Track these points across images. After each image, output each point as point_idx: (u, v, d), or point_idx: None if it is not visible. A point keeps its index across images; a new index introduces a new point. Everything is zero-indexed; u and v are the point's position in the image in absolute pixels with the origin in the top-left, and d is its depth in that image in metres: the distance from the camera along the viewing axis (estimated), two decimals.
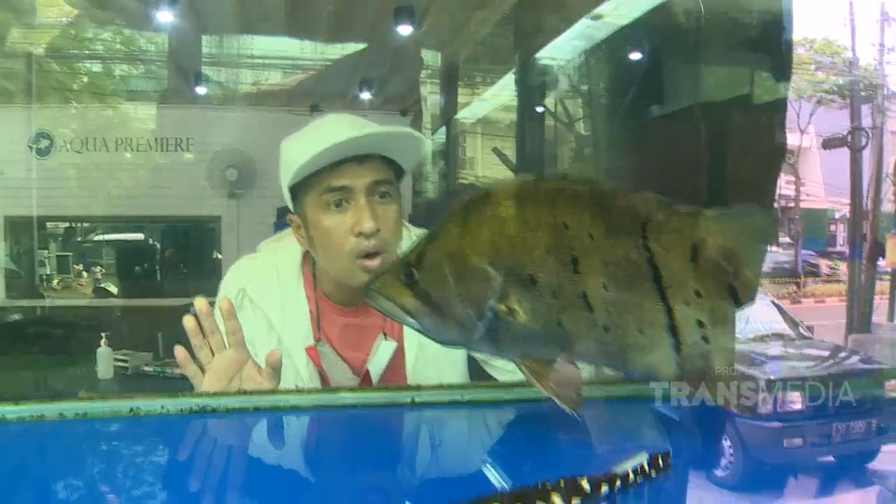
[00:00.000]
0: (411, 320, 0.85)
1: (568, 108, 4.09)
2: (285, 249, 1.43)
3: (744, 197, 2.36)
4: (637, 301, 0.78)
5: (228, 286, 1.42)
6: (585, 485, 0.69)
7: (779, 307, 6.02)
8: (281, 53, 6.32)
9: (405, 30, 4.47)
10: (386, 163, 1.33)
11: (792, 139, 10.58)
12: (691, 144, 2.44)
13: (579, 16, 3.42)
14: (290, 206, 1.37)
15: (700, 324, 0.78)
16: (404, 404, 1.10)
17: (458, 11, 4.55)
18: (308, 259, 1.42)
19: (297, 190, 1.34)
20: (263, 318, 1.38)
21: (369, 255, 1.28)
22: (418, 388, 1.19)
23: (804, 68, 10.94)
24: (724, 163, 2.33)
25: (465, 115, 5.22)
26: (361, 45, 5.54)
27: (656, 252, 0.77)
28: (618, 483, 0.72)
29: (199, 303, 1.15)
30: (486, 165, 5.94)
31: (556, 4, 3.64)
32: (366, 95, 6.03)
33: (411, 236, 1.43)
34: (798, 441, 1.91)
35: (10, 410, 0.95)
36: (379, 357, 1.38)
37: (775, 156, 2.33)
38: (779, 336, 5.32)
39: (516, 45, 4.10)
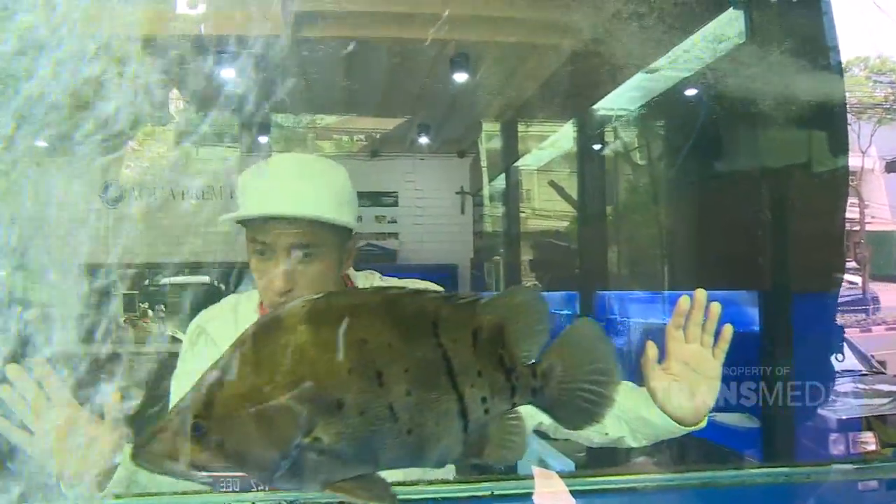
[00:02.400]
0: (201, 475, 0.77)
1: (623, 161, 4.10)
2: (249, 291, 1.48)
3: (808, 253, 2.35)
4: (435, 397, 0.78)
5: (191, 326, 1.49)
6: None
7: (849, 343, 5.84)
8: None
9: (461, 77, 4.53)
10: (317, 225, 1.34)
11: (853, 161, 10.35)
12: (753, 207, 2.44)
13: (636, 69, 3.44)
14: None
15: (483, 399, 0.81)
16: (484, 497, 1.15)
17: (513, 59, 4.60)
18: None
19: (243, 225, 1.39)
20: (218, 353, 1.40)
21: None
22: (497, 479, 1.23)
23: (861, 89, 10.71)
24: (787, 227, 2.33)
25: (526, 162, 5.26)
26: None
27: (447, 346, 0.79)
28: None
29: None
30: (543, 199, 5.95)
31: (611, 55, 3.67)
32: (424, 139, 6.09)
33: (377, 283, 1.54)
34: (873, 484, 1.87)
35: None
36: None
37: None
38: (850, 373, 5.17)
39: (574, 94, 4.13)
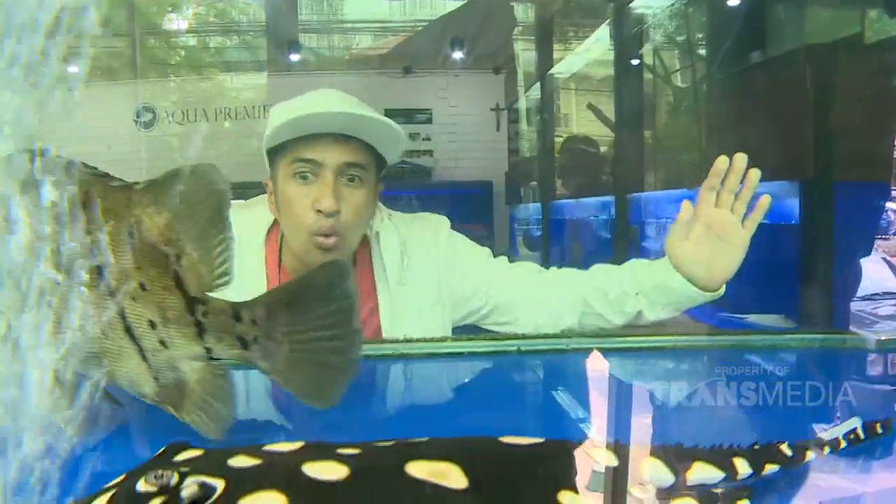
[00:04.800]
0: None
1: (664, 59, 3.97)
2: (253, 216, 1.42)
3: (855, 146, 2.26)
4: (93, 299, 0.61)
5: None
6: (787, 450, 0.61)
7: (890, 264, 5.71)
8: (370, 17, 6.35)
9: None
10: (365, 148, 1.31)
11: None
12: (795, 91, 2.34)
13: None
14: (269, 169, 1.38)
15: (151, 324, 0.65)
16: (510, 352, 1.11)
17: None
18: (275, 232, 1.41)
19: (274, 154, 1.34)
20: None
21: (325, 234, 1.27)
22: (524, 336, 1.20)
23: None
24: (831, 110, 2.22)
25: (559, 70, 5.12)
26: (451, 5, 5.52)
27: (96, 236, 0.60)
28: (826, 450, 0.65)
29: None
30: (582, 123, 5.83)
31: None
32: (458, 55, 6.00)
33: (386, 218, 1.46)
34: None
35: None
36: None
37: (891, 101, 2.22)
38: (891, 294, 5.05)
39: None
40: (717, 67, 3.02)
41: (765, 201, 1.26)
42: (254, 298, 0.70)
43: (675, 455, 0.57)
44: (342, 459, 0.50)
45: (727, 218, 1.26)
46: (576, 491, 0.49)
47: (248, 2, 5.81)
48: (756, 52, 2.63)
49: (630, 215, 3.40)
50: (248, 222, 1.41)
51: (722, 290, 1.31)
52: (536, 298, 1.42)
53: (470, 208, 5.79)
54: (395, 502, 0.47)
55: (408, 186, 5.99)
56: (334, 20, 6.32)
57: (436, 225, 1.50)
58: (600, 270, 1.43)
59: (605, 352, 1.20)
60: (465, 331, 1.44)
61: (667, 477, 0.54)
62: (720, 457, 0.58)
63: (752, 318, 2.31)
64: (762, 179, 1.25)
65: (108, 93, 5.87)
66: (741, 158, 1.25)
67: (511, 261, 1.50)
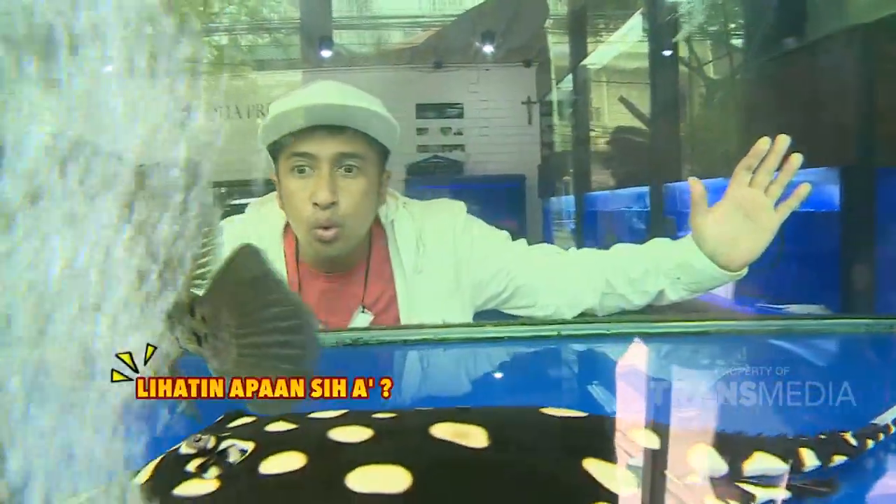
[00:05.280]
0: None
1: (696, 50, 3.91)
2: (269, 213, 1.42)
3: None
4: None
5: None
6: (851, 440, 0.57)
7: None
8: (401, 12, 6.36)
9: None
10: (362, 137, 1.30)
11: None
12: (836, 75, 2.29)
13: None
14: (273, 165, 1.37)
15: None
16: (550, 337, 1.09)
17: None
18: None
19: (275, 150, 1.33)
20: None
21: (324, 227, 1.27)
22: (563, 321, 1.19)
23: None
24: (873, 94, 2.17)
25: (591, 61, 5.08)
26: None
27: None
28: (881, 437, 0.60)
29: None
30: (613, 115, 5.78)
31: None
32: (488, 49, 5.99)
33: (401, 206, 1.44)
34: None
35: None
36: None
37: None
38: None
39: None
40: (753, 54, 2.96)
41: (804, 190, 1.22)
42: (205, 293, 0.65)
43: (733, 443, 0.54)
44: (371, 423, 0.52)
45: (759, 199, 1.22)
46: (605, 459, 0.47)
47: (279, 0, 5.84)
48: (794, 37, 2.58)
49: (666, 206, 3.36)
50: (266, 218, 1.41)
51: (744, 272, 1.28)
52: (557, 280, 1.39)
53: (503, 202, 5.77)
54: (408, 458, 0.46)
55: (439, 181, 5.99)
56: (365, 16, 6.34)
57: (452, 210, 1.48)
58: (621, 249, 1.41)
59: (646, 336, 1.17)
60: (493, 316, 1.42)
61: (719, 466, 0.51)
62: (784, 447, 0.54)
63: (792, 307, 2.27)
64: (801, 166, 1.22)
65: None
66: (783, 140, 1.22)
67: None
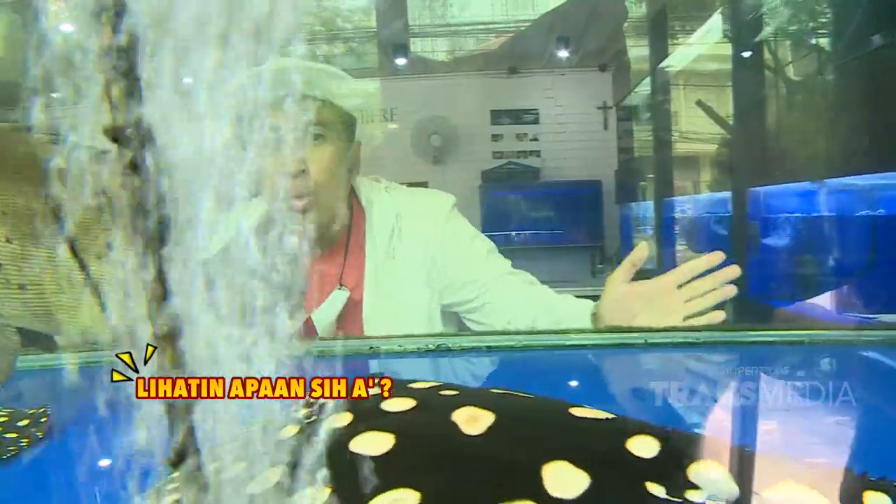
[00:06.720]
0: None
1: (777, 49, 3.79)
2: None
3: None
4: (50, 256, 0.65)
5: None
6: None
7: None
8: (474, 19, 6.35)
9: None
10: (324, 105, 1.34)
11: None
12: None
13: None
14: None
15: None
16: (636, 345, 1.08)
17: None
18: None
19: None
20: None
21: (296, 197, 1.28)
22: (650, 329, 1.17)
23: None
24: None
25: (669, 63, 4.98)
26: (555, 3, 5.46)
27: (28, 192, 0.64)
28: None
29: None
30: (691, 119, 5.66)
31: None
32: (563, 53, 5.94)
33: (383, 189, 1.47)
34: None
35: None
36: (327, 307, 1.37)
37: None
38: None
39: None
40: (839, 53, 2.86)
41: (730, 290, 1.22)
42: None
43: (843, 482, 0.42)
44: (413, 395, 0.52)
45: (674, 295, 1.21)
46: (577, 464, 0.42)
47: (352, 10, 5.90)
48: (881, 34, 2.48)
49: (749, 211, 3.27)
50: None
51: None
52: (519, 311, 1.40)
53: (579, 208, 5.72)
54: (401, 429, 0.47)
55: (516, 187, 5.97)
56: (440, 23, 6.35)
57: (439, 200, 1.49)
58: (553, 295, 1.43)
59: (724, 345, 1.14)
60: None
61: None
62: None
63: (883, 318, 2.19)
64: (887, 169, 1.17)
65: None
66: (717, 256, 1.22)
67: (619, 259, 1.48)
